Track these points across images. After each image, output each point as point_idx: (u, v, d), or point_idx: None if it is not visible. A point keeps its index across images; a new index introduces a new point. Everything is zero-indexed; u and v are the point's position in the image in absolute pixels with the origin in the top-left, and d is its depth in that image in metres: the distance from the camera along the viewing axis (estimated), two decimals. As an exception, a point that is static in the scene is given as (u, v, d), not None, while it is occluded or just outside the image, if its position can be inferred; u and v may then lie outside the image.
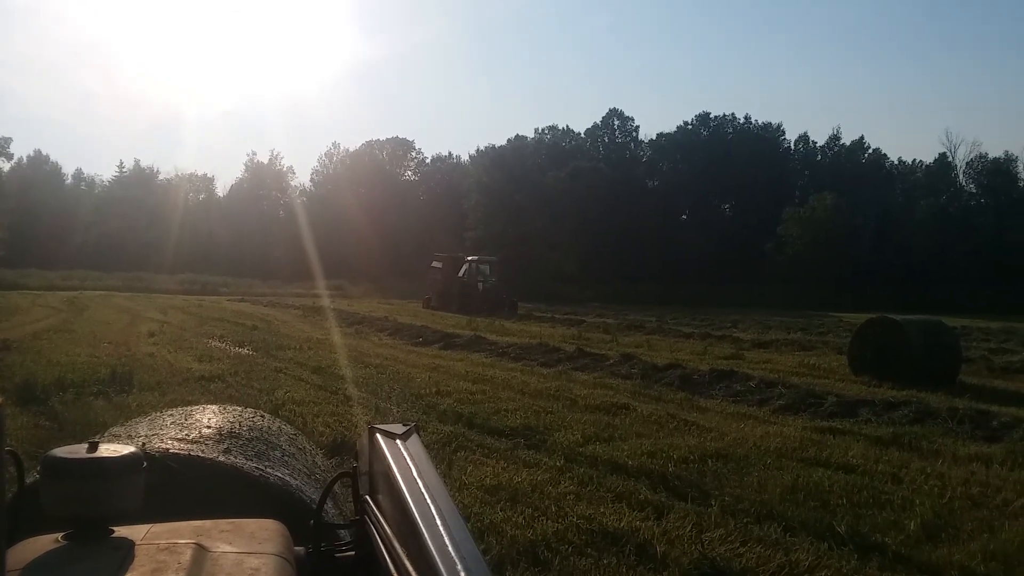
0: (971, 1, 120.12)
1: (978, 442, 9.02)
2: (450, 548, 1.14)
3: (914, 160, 78.03)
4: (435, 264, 40.27)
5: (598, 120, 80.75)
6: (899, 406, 10.81)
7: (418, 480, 1.41)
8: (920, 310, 24.84)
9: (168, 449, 2.25)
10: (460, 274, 38.30)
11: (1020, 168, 72.49)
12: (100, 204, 73.89)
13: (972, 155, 73.08)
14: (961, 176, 73.61)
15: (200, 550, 1.29)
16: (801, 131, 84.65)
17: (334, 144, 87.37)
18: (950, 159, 73.40)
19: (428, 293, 39.26)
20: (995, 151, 74.55)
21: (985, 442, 9.03)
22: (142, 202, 70.97)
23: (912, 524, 5.93)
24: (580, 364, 15.26)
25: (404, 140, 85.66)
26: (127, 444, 1.43)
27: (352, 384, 12.29)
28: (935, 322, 15.40)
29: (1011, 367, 16.29)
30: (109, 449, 1.35)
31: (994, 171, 70.85)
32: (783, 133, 78.44)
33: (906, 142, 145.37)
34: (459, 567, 1.09)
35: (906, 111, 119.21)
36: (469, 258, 40.14)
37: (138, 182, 79.46)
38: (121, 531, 1.33)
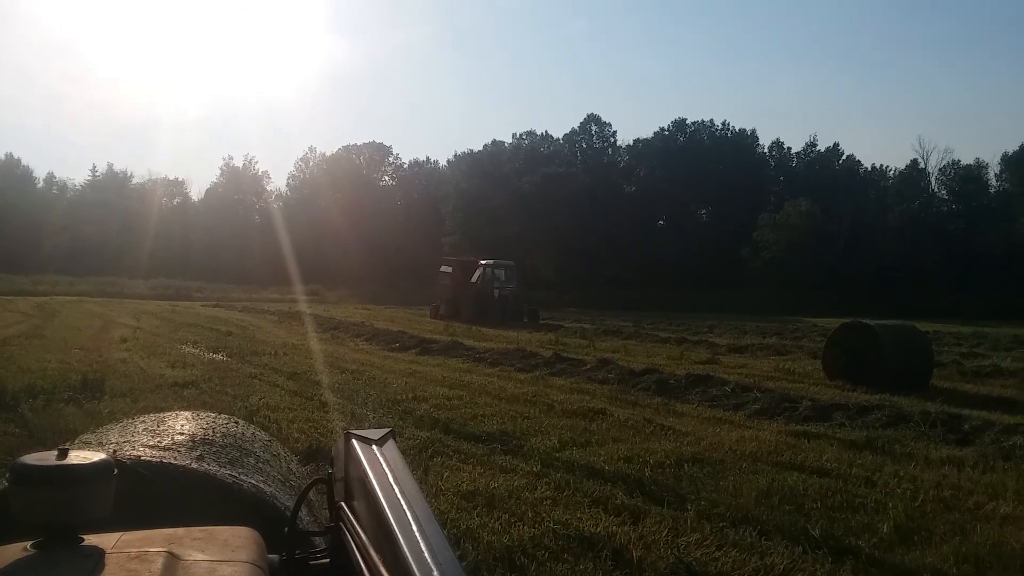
0: (944, 9, 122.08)
1: (950, 445, 9.12)
2: (426, 554, 1.13)
3: (883, 166, 79.06)
4: (444, 269, 37.46)
5: (576, 125, 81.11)
6: (872, 410, 10.91)
7: (394, 486, 1.40)
8: (893, 315, 25.10)
9: (140, 456, 2.22)
10: (473, 280, 35.16)
11: (991, 175, 73.73)
12: (72, 208, 73.15)
13: (944, 162, 74.18)
14: (933, 183, 74.63)
15: (172, 558, 1.27)
16: (775, 137, 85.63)
17: (310, 148, 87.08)
18: (922, 165, 74.43)
19: (436, 301, 36.47)
20: (967, 158, 75.78)
21: (957, 445, 9.13)
22: (115, 206, 70.30)
23: (885, 527, 5.99)
24: (557, 369, 15.28)
25: (382, 145, 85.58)
26: (98, 451, 1.41)
27: (328, 390, 12.22)
28: (908, 327, 15.57)
29: (982, 371, 16.50)
30: (79, 456, 1.33)
31: (966, 178, 71.87)
32: (758, 139, 79.20)
33: (879, 148, 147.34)
34: (435, 573, 1.08)
35: (879, 118, 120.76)
36: (482, 262, 36.69)
37: (111, 186, 78.77)
38: (91, 539, 1.31)
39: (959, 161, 73.38)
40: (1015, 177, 69.17)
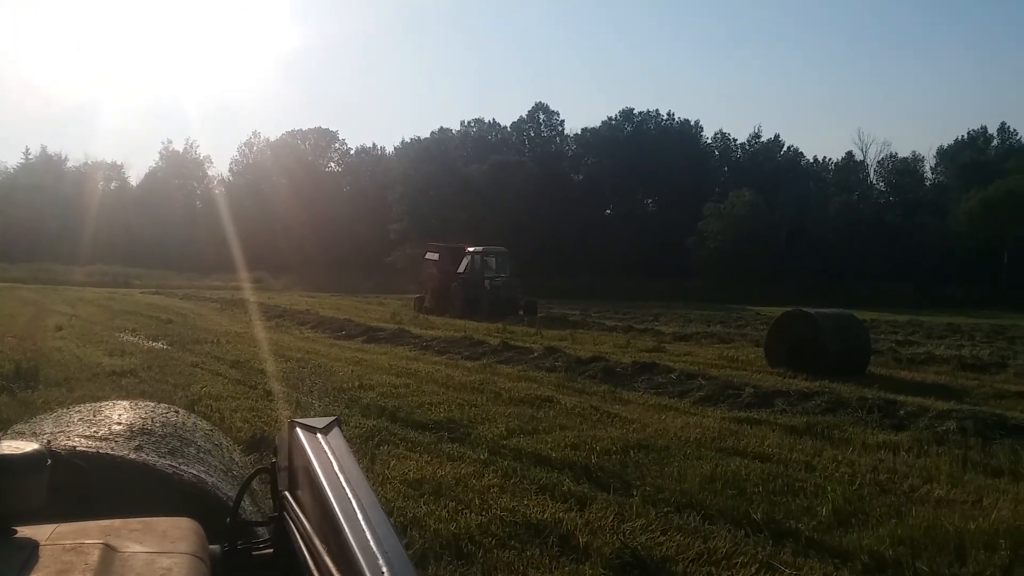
0: (884, 5, 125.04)
1: (886, 430, 9.37)
2: (372, 543, 1.11)
3: (825, 158, 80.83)
4: (430, 256, 33.79)
5: (524, 114, 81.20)
6: (812, 396, 11.15)
7: (339, 475, 1.38)
8: (833, 304, 25.69)
9: (75, 446, 2.16)
10: (460, 270, 31.66)
11: (927, 168, 76.04)
12: (4, 192, 70.73)
13: (882, 154, 76.18)
14: (872, 174, 76.59)
15: (108, 550, 1.23)
16: (719, 128, 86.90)
17: (254, 133, 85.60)
18: (860, 158, 76.28)
19: (421, 292, 33.57)
20: (903, 151, 77.96)
21: (892, 430, 9.38)
22: (49, 190, 68.20)
23: (824, 510, 6.13)
24: (504, 357, 15.30)
25: (327, 131, 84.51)
26: (31, 441, 1.36)
27: (272, 378, 12.05)
28: (846, 315, 15.94)
29: (916, 358, 16.99)
30: (10, 446, 1.28)
31: (902, 170, 73.98)
32: (702, 130, 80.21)
33: (821, 141, 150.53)
34: (380, 562, 1.06)
35: (821, 111, 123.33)
36: (470, 249, 32.86)
37: (45, 169, 76.38)
38: (24, 531, 1.26)
39: (896, 154, 75.55)
40: (949, 170, 71.34)
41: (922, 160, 75.91)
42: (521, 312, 28.95)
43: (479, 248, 32.91)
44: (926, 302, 47.80)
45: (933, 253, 60.74)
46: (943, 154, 75.16)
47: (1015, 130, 73.64)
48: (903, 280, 56.64)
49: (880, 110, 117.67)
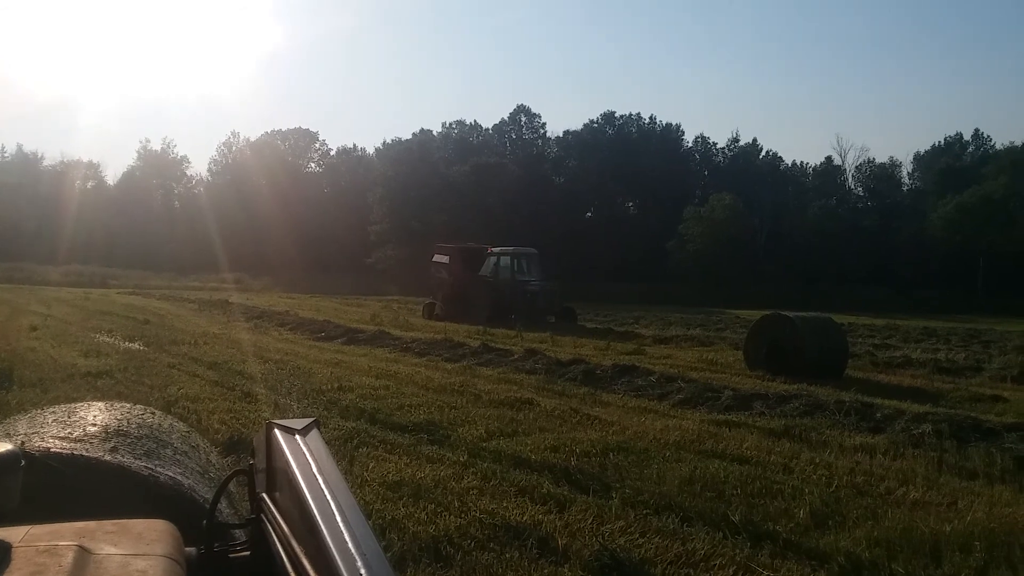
0: (861, 11, 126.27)
1: (863, 433, 9.44)
2: (350, 545, 1.11)
3: (803, 163, 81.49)
4: (439, 258, 31.06)
5: (506, 116, 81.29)
6: (790, 399, 11.20)
7: (318, 476, 1.37)
8: (811, 307, 25.86)
9: (49, 448, 2.13)
10: (485, 273, 29.00)
11: (904, 173, 76.89)
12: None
13: (860, 160, 76.92)
14: (850, 180, 77.28)
15: (83, 552, 1.22)
16: (699, 132, 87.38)
17: (233, 133, 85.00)
18: (838, 163, 76.98)
19: (432, 297, 30.97)
20: (881, 156, 78.78)
21: (869, 433, 9.45)
22: (25, 189, 67.46)
23: (801, 512, 6.17)
24: (485, 359, 15.29)
25: (307, 131, 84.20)
26: (4, 442, 1.34)
27: (250, 380, 11.99)
28: (825, 319, 16.05)
29: (893, 362, 17.13)
30: (-17, 447, 1.27)
31: (880, 176, 74.73)
32: (683, 133, 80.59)
33: (798, 145, 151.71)
34: (359, 564, 1.06)
35: (800, 116, 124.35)
36: (495, 250, 29.91)
37: (21, 168, 75.58)
38: None
39: (874, 159, 76.32)
40: (926, 176, 72.12)
41: (899, 166, 76.88)
42: (552, 319, 26.41)
43: (507, 248, 30.15)
44: (903, 306, 48.24)
45: (910, 258, 61.36)
46: (920, 160, 76.04)
47: (989, 136, 74.63)
48: (880, 284, 57.17)
49: (859, 116, 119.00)
